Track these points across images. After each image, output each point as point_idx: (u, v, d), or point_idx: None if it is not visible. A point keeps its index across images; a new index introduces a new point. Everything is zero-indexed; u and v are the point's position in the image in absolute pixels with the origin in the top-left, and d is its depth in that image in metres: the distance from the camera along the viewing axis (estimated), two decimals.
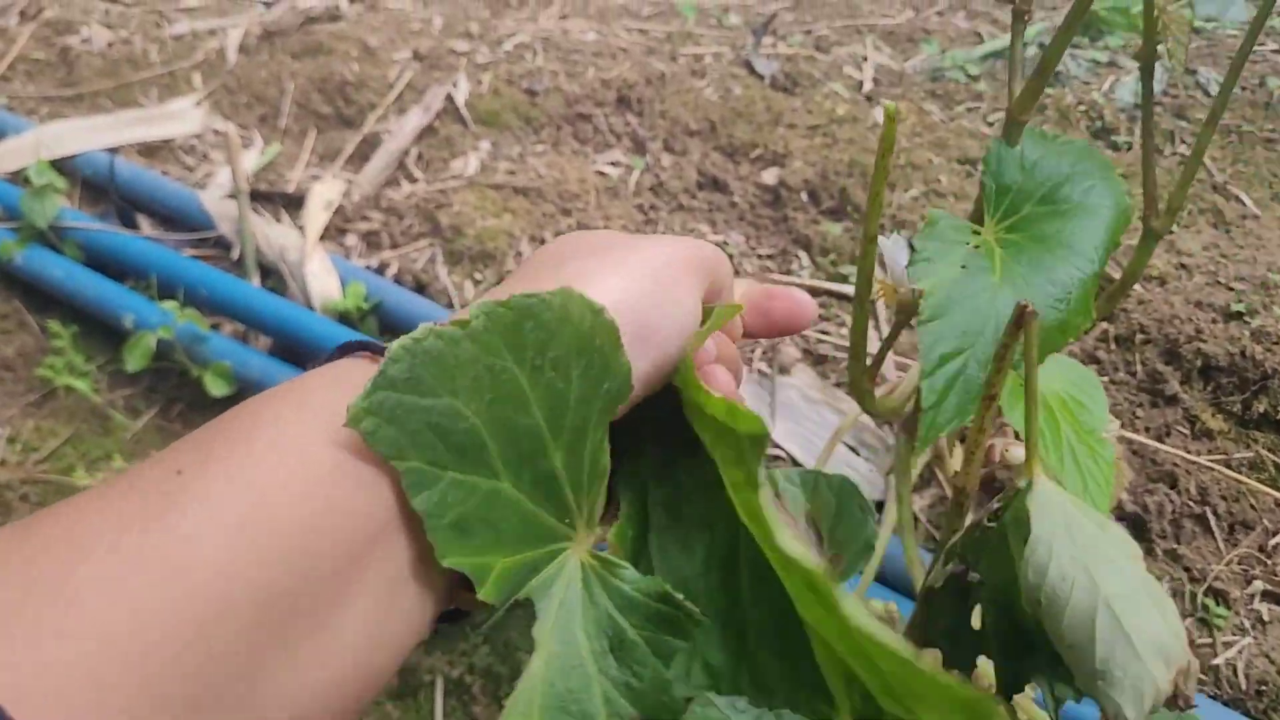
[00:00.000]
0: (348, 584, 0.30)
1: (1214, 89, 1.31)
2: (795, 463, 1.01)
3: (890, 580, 0.89)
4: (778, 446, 1.02)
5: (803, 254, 1.17)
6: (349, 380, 0.32)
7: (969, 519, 0.49)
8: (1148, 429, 0.98)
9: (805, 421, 1.03)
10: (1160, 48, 0.69)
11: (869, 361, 0.64)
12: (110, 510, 0.28)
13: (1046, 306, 0.54)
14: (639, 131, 1.34)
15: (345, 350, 0.36)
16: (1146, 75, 0.74)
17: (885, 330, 1.08)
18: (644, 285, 0.39)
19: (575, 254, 0.41)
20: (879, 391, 0.80)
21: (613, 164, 1.31)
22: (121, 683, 0.25)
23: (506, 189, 1.25)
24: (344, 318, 1.12)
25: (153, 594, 0.26)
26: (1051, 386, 0.67)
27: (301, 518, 0.29)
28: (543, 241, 1.18)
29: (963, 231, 0.56)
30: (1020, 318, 0.40)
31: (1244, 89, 1.31)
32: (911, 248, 0.56)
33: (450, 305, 1.15)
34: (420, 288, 1.17)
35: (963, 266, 0.53)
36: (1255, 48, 1.46)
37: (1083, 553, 0.40)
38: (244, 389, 1.09)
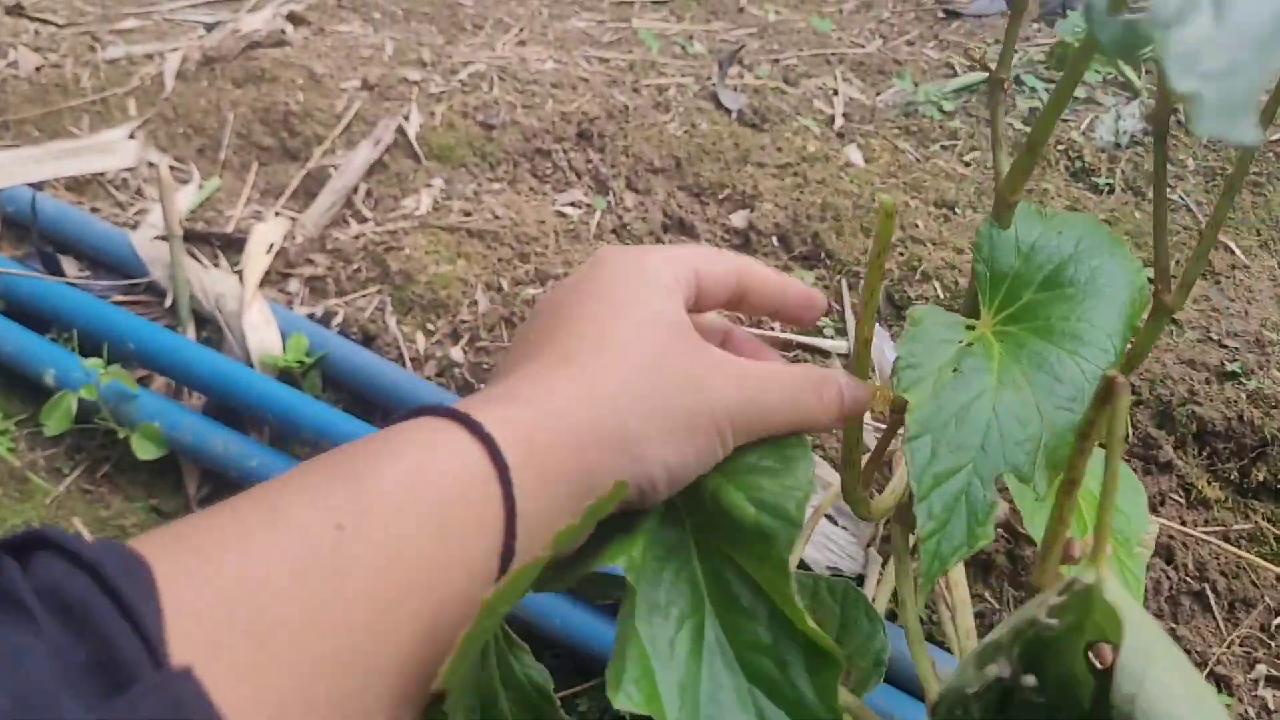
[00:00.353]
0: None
1: None
2: None
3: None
4: None
5: None
6: (446, 448, 0.38)
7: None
8: None
9: None
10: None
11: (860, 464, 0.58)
12: (284, 555, 0.33)
13: (1056, 409, 0.48)
14: (600, 169, 1.28)
15: (423, 412, 0.41)
16: (1160, 142, 0.68)
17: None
18: (637, 404, 0.42)
19: (583, 340, 0.43)
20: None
21: (573, 204, 1.24)
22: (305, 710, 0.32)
23: (460, 231, 1.18)
24: (285, 374, 1.05)
25: (322, 644, 0.32)
26: (1085, 485, 0.60)
27: (433, 593, 0.36)
28: (499, 290, 1.11)
29: (953, 328, 0.49)
30: (1108, 390, 0.35)
31: None
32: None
33: (400, 358, 1.07)
34: (368, 339, 1.10)
35: (954, 370, 0.47)
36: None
37: (1184, 674, 0.34)
38: (175, 452, 1.01)
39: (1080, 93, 1.37)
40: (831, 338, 1.07)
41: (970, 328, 0.49)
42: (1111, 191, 1.22)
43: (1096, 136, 1.28)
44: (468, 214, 1.21)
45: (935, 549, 0.45)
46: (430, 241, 1.17)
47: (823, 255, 1.14)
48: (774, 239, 1.16)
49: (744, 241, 1.17)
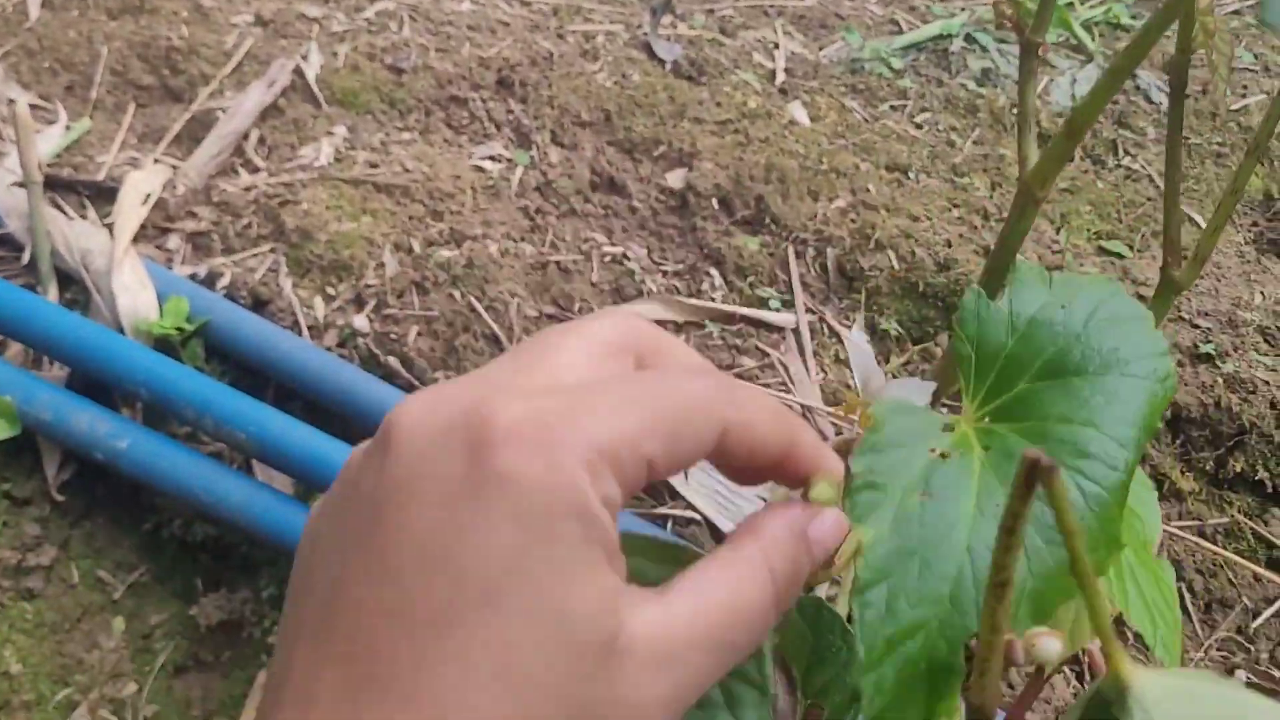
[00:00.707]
0: None
1: (1155, 94, 1.20)
2: (710, 526, 0.85)
3: None
4: (690, 507, 0.86)
5: (714, 271, 1.02)
6: None
7: None
8: None
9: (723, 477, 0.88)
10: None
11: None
12: None
13: (1046, 544, 0.37)
14: (523, 120, 1.16)
15: None
16: (1177, 96, 0.60)
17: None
18: None
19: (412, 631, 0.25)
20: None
21: (492, 158, 1.12)
22: None
23: (366, 185, 1.06)
24: (162, 342, 0.92)
25: None
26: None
27: None
28: (410, 251, 1.00)
29: (928, 427, 0.38)
30: (1029, 474, 0.25)
31: (1189, 96, 1.20)
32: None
33: (295, 326, 0.95)
34: (259, 304, 0.97)
35: (923, 492, 0.36)
36: (1199, 51, 1.36)
37: None
38: (32, 430, 0.88)
39: None
40: (778, 310, 0.97)
41: (949, 427, 0.38)
42: (1072, 160, 1.14)
43: (1052, 101, 1.21)
44: (374, 166, 1.08)
45: None
46: (331, 195, 1.04)
47: (767, 220, 1.05)
48: (714, 201, 1.06)
49: (681, 204, 1.07)
